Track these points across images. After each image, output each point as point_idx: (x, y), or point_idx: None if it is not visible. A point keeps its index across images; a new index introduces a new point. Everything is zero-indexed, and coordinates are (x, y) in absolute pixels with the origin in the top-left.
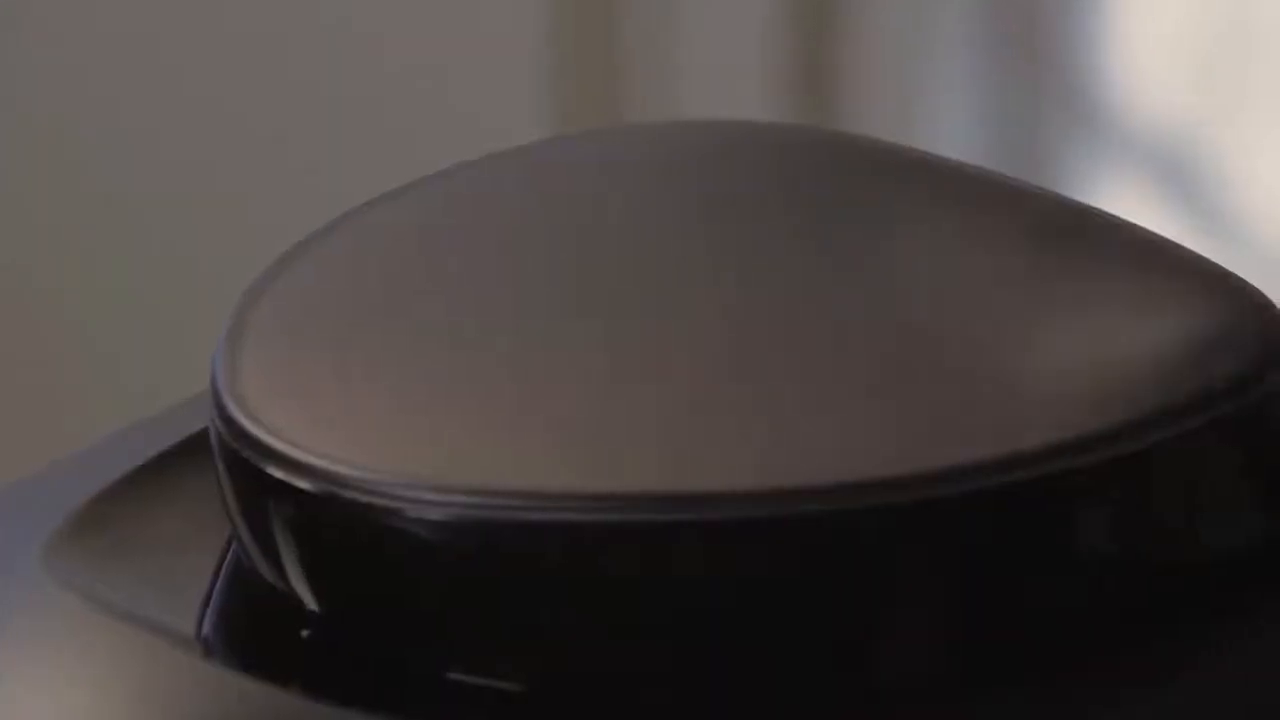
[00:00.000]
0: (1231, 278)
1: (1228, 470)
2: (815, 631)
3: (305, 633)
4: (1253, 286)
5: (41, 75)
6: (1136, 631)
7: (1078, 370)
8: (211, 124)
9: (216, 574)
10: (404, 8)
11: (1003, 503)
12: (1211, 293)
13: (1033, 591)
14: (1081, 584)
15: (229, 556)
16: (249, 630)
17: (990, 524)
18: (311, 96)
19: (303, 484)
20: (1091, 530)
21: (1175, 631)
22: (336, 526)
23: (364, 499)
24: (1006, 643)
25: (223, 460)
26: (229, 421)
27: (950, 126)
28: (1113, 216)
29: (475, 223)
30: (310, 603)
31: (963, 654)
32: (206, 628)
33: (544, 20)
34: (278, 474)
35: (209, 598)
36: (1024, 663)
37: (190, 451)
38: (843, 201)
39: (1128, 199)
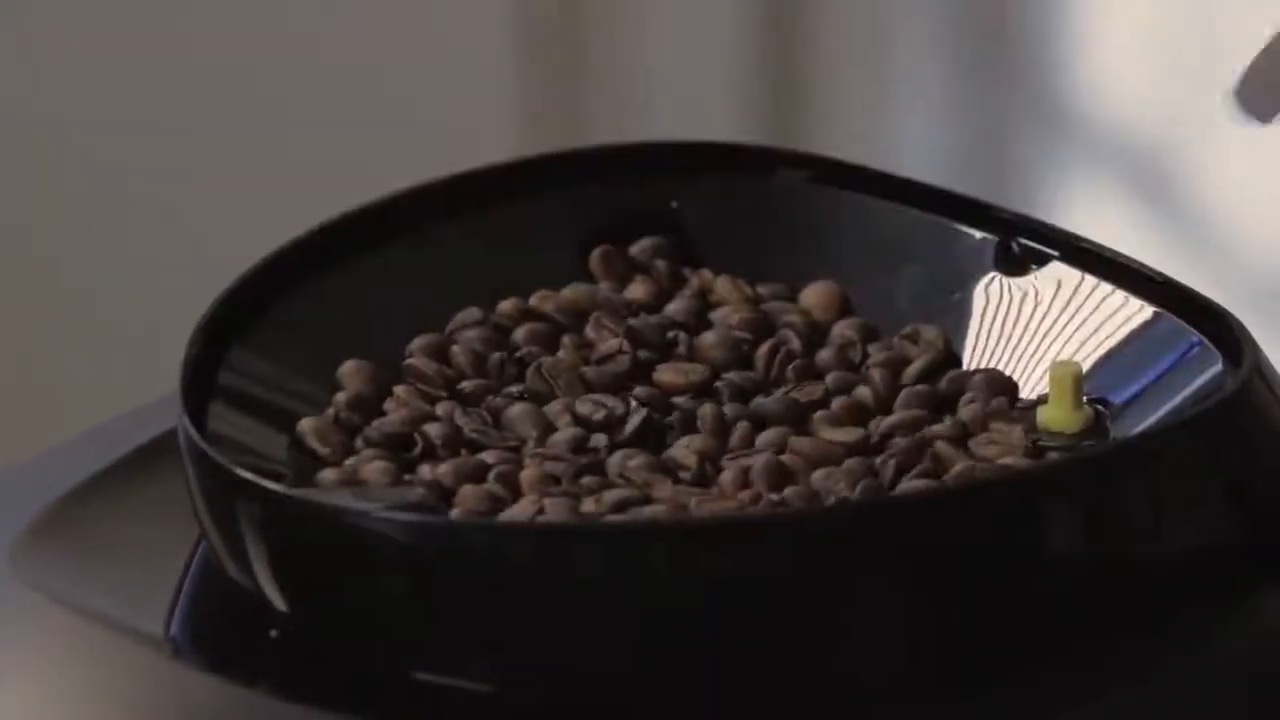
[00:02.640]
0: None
1: (1196, 471)
2: (781, 634)
3: (273, 633)
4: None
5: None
6: (1117, 631)
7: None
8: (182, 129)
9: (185, 574)
10: (379, 18)
11: (976, 507)
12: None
13: (1010, 593)
14: (1057, 585)
15: (197, 557)
16: (217, 630)
17: (966, 527)
18: (288, 101)
19: (272, 483)
20: (1065, 531)
21: (1156, 630)
22: (304, 526)
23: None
24: (986, 644)
25: (191, 460)
26: (198, 421)
27: (919, 132)
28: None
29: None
30: (278, 603)
31: (940, 656)
32: (175, 628)
33: (514, 30)
34: (246, 473)
35: (177, 598)
36: (1006, 662)
37: (159, 452)
38: None
39: (1097, 199)
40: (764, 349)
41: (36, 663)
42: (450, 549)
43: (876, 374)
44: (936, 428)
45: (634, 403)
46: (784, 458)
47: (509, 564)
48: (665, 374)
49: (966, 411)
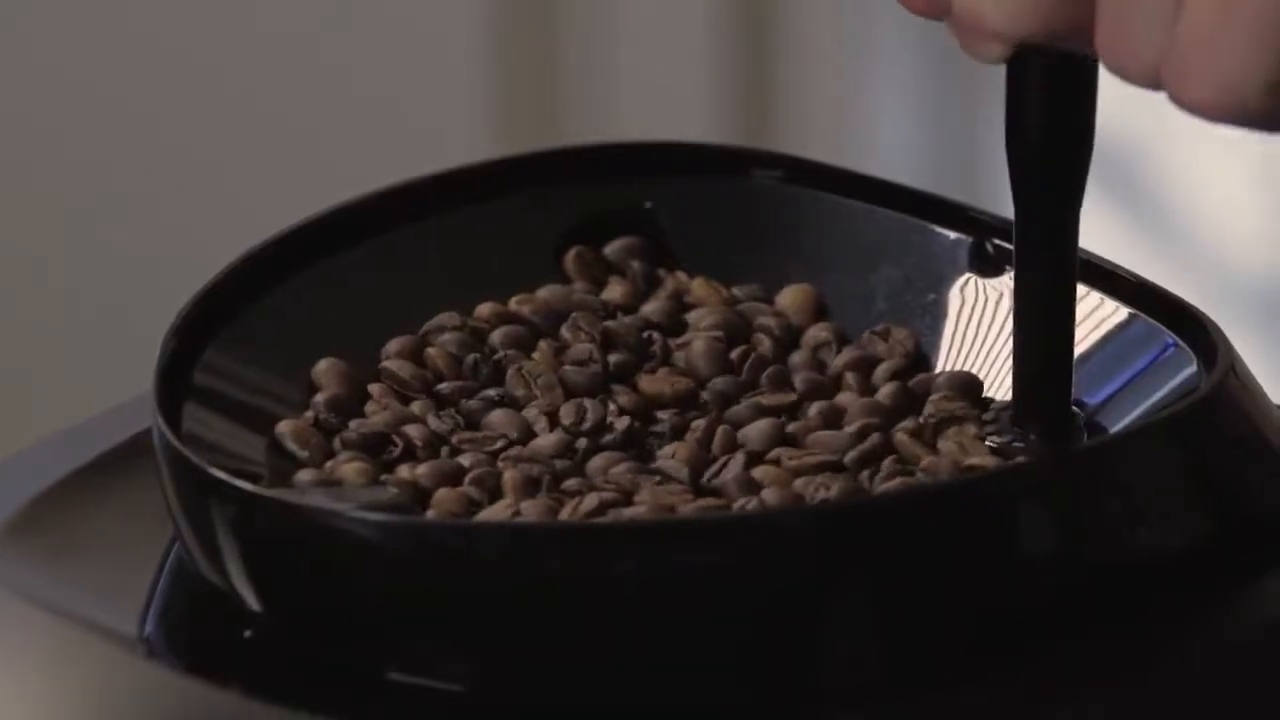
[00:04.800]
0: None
1: (1171, 471)
2: (757, 635)
3: (247, 633)
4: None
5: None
6: (1092, 631)
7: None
8: (156, 128)
9: (159, 574)
10: (352, 19)
11: (951, 508)
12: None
13: (985, 593)
14: (1032, 586)
15: (171, 557)
16: (191, 630)
17: (943, 529)
18: (263, 101)
19: (245, 483)
20: (1040, 532)
21: (1130, 630)
22: (277, 526)
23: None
24: (961, 645)
25: (165, 460)
26: (172, 421)
27: (894, 132)
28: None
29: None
30: (252, 603)
31: (924, 656)
32: (149, 628)
33: (488, 31)
34: (219, 473)
35: (151, 598)
36: (981, 663)
37: (133, 452)
38: None
39: None
40: (736, 354)
41: (10, 662)
42: (422, 549)
43: (850, 377)
44: (903, 433)
45: (614, 407)
46: (760, 470)
47: (481, 564)
48: (651, 385)
49: (927, 414)
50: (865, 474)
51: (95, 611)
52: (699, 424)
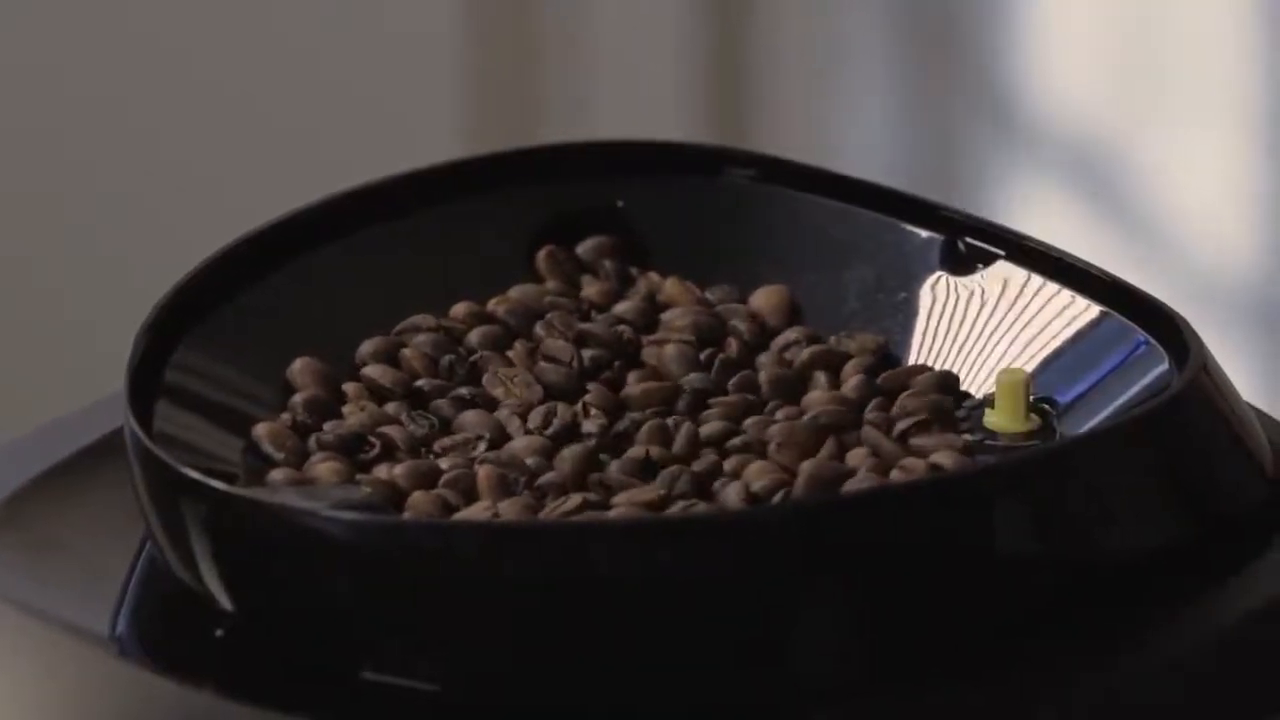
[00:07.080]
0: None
1: (1142, 470)
2: (732, 634)
3: (219, 632)
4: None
5: None
6: (1064, 631)
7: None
8: (136, 128)
9: (131, 574)
10: (328, 17)
11: (932, 506)
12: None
13: (957, 592)
14: (1004, 585)
15: (143, 556)
16: (163, 630)
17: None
18: (238, 99)
19: (217, 482)
20: (1011, 530)
21: (1102, 630)
22: (249, 525)
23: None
24: (935, 643)
25: (137, 458)
26: (143, 420)
27: (867, 131)
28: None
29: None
30: (224, 602)
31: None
32: (120, 627)
33: (463, 29)
34: (191, 472)
35: (123, 597)
36: (957, 662)
37: (105, 452)
38: None
39: (1044, 199)
40: (705, 356)
41: None
42: (395, 548)
43: (819, 375)
44: (876, 429)
45: (588, 408)
46: (736, 460)
47: (454, 563)
48: (637, 390)
49: (898, 410)
50: (842, 471)
51: (67, 610)
52: (656, 423)
